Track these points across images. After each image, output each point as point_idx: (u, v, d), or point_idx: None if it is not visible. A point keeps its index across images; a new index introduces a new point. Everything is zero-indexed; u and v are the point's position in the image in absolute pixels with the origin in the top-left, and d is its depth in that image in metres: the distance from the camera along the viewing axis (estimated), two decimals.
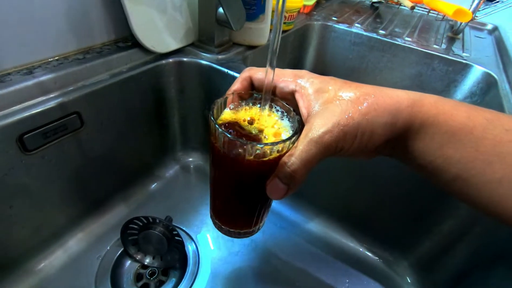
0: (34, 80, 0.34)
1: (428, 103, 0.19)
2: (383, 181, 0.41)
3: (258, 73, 0.24)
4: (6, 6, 0.32)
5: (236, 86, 0.24)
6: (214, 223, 0.28)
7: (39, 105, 0.33)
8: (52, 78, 0.35)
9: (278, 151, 0.20)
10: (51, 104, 0.34)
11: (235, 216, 0.26)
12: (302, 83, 0.22)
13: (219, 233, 0.27)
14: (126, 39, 0.45)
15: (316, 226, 0.49)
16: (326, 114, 0.19)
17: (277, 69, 0.22)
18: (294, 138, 0.20)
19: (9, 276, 0.37)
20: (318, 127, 0.19)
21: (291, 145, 0.20)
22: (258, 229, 0.27)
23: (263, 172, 0.20)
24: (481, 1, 0.64)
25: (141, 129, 0.48)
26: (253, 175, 0.21)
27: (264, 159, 0.20)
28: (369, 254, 0.47)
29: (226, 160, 0.21)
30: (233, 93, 0.23)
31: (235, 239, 0.46)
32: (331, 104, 0.20)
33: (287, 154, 0.19)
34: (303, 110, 0.21)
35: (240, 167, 0.21)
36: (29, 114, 0.32)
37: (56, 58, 0.38)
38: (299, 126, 0.21)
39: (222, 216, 0.27)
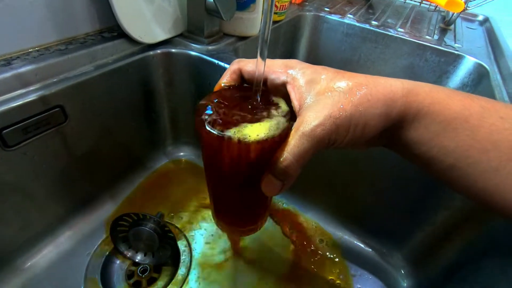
0: (12, 72, 0.32)
1: (422, 92, 0.19)
2: (377, 174, 0.41)
3: (248, 65, 0.23)
4: None
5: (225, 79, 0.23)
6: (217, 224, 0.27)
7: (19, 98, 0.31)
8: (32, 70, 0.33)
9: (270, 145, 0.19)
10: (32, 97, 0.32)
11: (238, 214, 0.25)
12: (294, 73, 0.21)
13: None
14: (112, 29, 0.43)
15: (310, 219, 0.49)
16: (318, 106, 0.18)
17: (267, 60, 0.21)
18: (282, 130, 0.19)
19: None
20: (310, 120, 0.18)
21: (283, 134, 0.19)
22: (262, 224, 0.27)
23: (259, 166, 0.19)
24: None
25: (129, 123, 0.46)
26: (251, 170, 0.20)
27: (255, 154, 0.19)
28: (363, 246, 0.47)
29: (218, 158, 0.20)
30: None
31: (227, 234, 0.45)
32: (323, 96, 0.19)
33: (279, 149, 0.18)
34: (295, 102, 0.20)
35: (234, 163, 0.20)
36: (8, 108, 0.30)
37: (37, 48, 0.36)
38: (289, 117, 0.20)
39: (224, 215, 0.26)
